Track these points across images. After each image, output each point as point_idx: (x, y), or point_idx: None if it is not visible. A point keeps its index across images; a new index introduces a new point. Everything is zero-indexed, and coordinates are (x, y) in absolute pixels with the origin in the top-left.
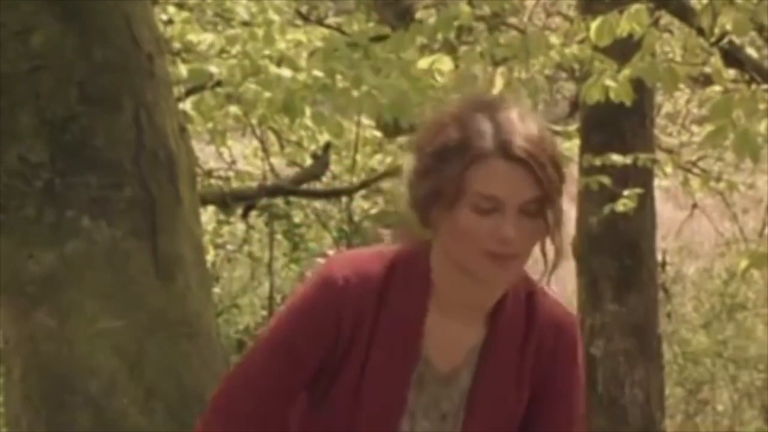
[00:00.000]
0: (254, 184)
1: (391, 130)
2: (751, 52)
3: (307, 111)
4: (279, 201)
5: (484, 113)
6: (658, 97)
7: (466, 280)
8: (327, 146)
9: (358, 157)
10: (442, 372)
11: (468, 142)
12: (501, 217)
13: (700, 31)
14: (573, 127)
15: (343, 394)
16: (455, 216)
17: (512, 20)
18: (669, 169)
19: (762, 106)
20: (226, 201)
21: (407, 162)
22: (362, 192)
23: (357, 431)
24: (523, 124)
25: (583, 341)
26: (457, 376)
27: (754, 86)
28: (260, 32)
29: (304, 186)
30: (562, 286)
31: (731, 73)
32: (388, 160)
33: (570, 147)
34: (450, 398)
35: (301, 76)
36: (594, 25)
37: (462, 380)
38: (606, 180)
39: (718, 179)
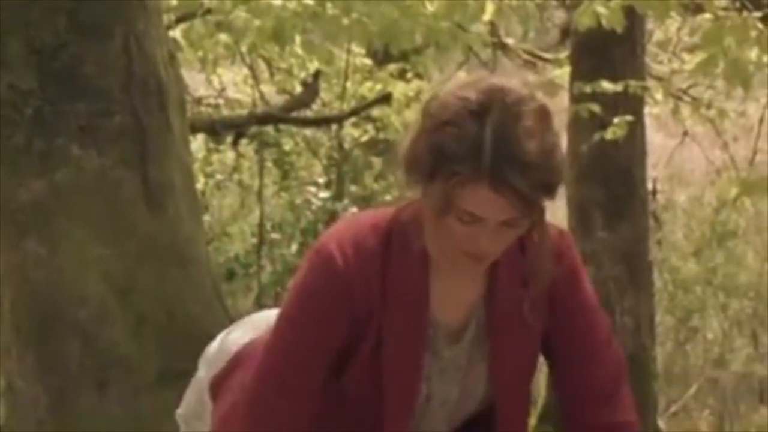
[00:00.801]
0: (244, 112)
1: (381, 57)
2: None
3: (297, 39)
4: (269, 129)
5: (490, 124)
6: (649, 25)
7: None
8: (317, 74)
9: (348, 85)
10: (452, 329)
11: (463, 159)
12: (482, 227)
13: None
14: (563, 54)
15: (361, 369)
16: (437, 216)
17: None
18: (659, 97)
19: (753, 34)
20: (215, 129)
21: (413, 125)
22: (352, 119)
23: (377, 403)
24: (527, 142)
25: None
26: (465, 328)
27: (745, 13)
28: None
29: (294, 114)
30: (552, 214)
31: (722, 0)
32: (378, 87)
33: (560, 75)
34: (462, 351)
35: (291, 4)
36: None
37: (470, 330)
38: (596, 108)
39: (709, 107)
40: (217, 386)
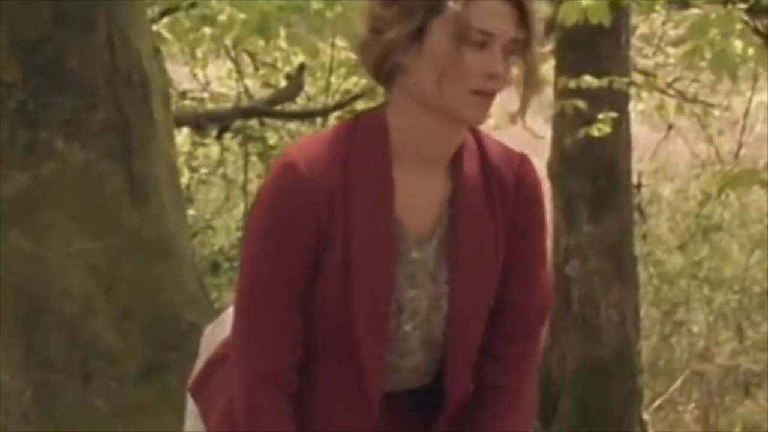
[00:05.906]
0: (229, 106)
1: None
2: None
3: (282, 32)
4: (254, 122)
5: None
6: (633, 19)
7: (430, 124)
8: (301, 67)
9: (333, 79)
10: (419, 233)
11: None
12: (490, 54)
13: None
14: (548, 48)
15: (333, 277)
16: (450, 51)
17: None
18: (645, 94)
19: (738, 26)
20: (200, 123)
21: (369, 8)
22: (337, 113)
23: (351, 312)
24: None
25: (558, 260)
26: (431, 235)
27: (729, 6)
28: None
29: (279, 107)
30: None
31: None
32: (363, 81)
33: (545, 69)
34: (430, 253)
35: None
36: None
37: (435, 237)
38: (581, 104)
39: (694, 100)
40: (197, 391)
